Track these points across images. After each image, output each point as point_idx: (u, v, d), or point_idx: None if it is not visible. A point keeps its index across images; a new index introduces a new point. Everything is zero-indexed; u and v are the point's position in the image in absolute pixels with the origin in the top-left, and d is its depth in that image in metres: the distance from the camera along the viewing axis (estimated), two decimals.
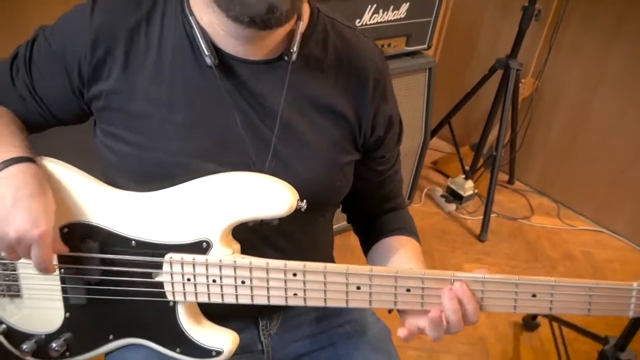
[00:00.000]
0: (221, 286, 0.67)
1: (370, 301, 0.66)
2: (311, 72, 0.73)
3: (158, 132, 0.69)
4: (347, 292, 0.66)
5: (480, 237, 2.30)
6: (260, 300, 0.67)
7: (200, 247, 0.67)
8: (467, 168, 2.51)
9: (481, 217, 2.36)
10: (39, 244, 0.62)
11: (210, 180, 0.67)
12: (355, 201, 0.86)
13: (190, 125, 0.69)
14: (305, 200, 0.66)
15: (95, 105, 0.71)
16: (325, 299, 0.66)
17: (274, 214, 0.65)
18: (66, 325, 0.73)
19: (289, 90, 0.70)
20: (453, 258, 2.20)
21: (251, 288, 0.67)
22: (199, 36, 0.67)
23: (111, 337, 0.73)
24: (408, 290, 0.65)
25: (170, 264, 0.67)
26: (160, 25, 0.69)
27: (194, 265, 0.67)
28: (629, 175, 2.32)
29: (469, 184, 2.44)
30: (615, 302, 0.63)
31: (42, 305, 0.72)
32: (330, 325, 0.85)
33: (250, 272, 0.66)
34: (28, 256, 0.64)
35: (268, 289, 0.67)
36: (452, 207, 2.46)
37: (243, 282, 0.67)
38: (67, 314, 0.73)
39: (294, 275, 0.65)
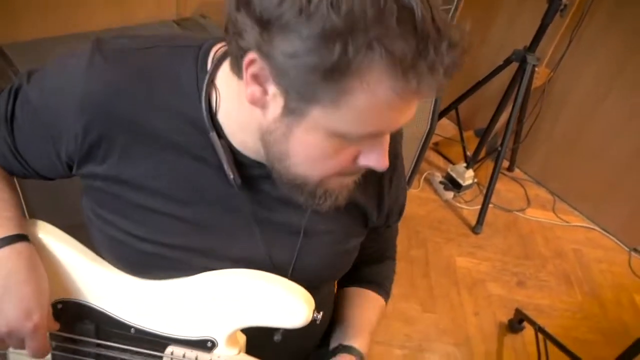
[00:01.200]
0: None
1: None
2: None
3: (159, 225, 0.64)
4: None
5: (475, 230, 2.30)
6: None
7: (204, 345, 0.64)
8: (469, 154, 2.47)
9: (477, 206, 2.35)
10: (33, 337, 0.58)
11: (223, 277, 0.64)
12: None
13: (194, 223, 0.64)
14: (321, 312, 0.63)
15: (87, 182, 0.65)
16: None
17: (287, 325, 0.62)
18: None
19: None
20: (446, 250, 2.21)
21: None
22: (222, 155, 0.61)
23: None
24: None
25: (172, 358, 0.64)
26: (168, 114, 0.61)
27: None
28: (629, 177, 2.29)
29: (469, 173, 2.41)
30: None
31: None
32: None
33: None
34: (20, 347, 0.60)
35: None
36: (449, 195, 2.44)
37: None
38: None
39: None
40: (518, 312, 1.87)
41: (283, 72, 0.49)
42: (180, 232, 0.64)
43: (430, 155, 2.68)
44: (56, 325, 0.65)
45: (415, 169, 2.28)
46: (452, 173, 2.44)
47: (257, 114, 0.56)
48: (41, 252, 0.63)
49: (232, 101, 0.59)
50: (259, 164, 0.63)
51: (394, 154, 0.73)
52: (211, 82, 0.60)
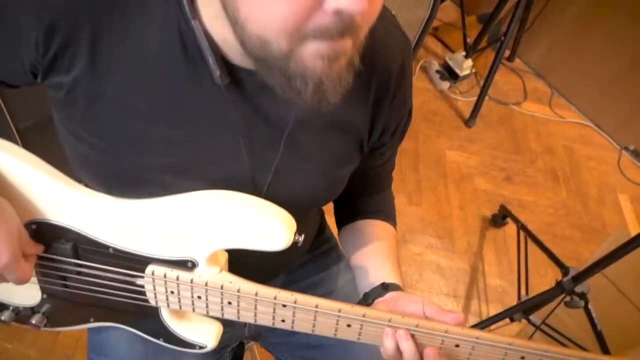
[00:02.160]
0: (207, 303, 0.64)
1: (359, 337, 0.64)
2: None
3: (133, 144, 0.58)
4: (336, 328, 0.63)
5: (468, 123, 2.26)
6: (247, 319, 0.65)
7: (185, 265, 0.62)
8: (469, 41, 2.34)
9: (473, 98, 2.28)
10: (9, 272, 0.55)
11: (202, 197, 0.59)
12: None
13: (176, 142, 0.58)
14: (303, 235, 0.60)
15: (55, 94, 0.57)
16: (313, 329, 0.64)
17: (267, 248, 0.59)
18: (45, 303, 0.70)
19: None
20: (437, 143, 2.18)
21: (238, 310, 0.64)
22: (205, 51, 0.52)
23: (92, 319, 0.71)
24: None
25: (153, 278, 0.63)
26: (141, 14, 0.52)
27: (177, 283, 0.62)
28: (632, 77, 2.21)
29: (468, 63, 2.30)
30: None
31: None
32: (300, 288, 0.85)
33: (238, 298, 0.63)
34: (3, 281, 0.58)
35: (256, 312, 0.64)
36: (445, 85, 2.35)
37: (230, 303, 0.64)
38: (45, 296, 0.69)
39: (284, 306, 0.62)
40: (502, 208, 1.89)
41: None
42: (158, 151, 0.58)
43: (428, 40, 2.54)
44: (39, 248, 0.62)
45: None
46: (449, 62, 2.33)
47: None
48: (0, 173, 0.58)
49: None
50: (246, 70, 0.55)
51: (401, 64, 0.65)
52: None
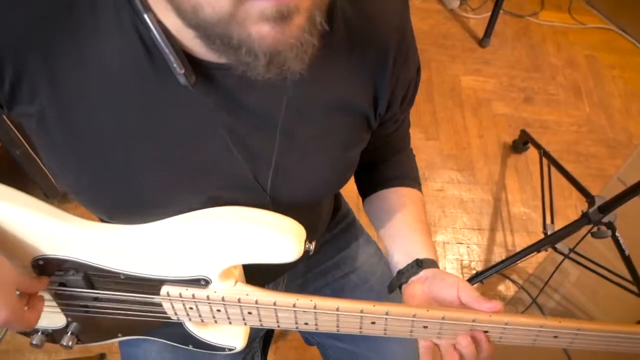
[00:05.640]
0: (227, 315, 0.63)
1: (385, 332, 0.63)
2: (315, 60, 0.50)
3: (119, 167, 0.54)
4: (361, 326, 0.62)
5: (482, 43, 2.14)
6: (270, 325, 0.64)
7: (198, 283, 0.60)
8: None
9: (486, 14, 2.14)
10: (12, 325, 0.54)
11: (205, 217, 0.56)
12: None
13: (162, 157, 0.54)
14: (314, 242, 0.57)
15: (26, 123, 0.52)
16: (338, 329, 0.63)
17: (278, 261, 0.57)
18: (71, 324, 0.70)
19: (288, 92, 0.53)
20: (451, 69, 2.08)
21: (259, 318, 0.63)
22: (163, 45, 0.46)
23: (119, 335, 0.71)
24: (425, 327, 0.62)
25: (169, 299, 0.61)
26: (94, 30, 0.47)
27: (194, 301, 0.61)
28: None
29: None
30: (636, 346, 0.62)
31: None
32: (334, 278, 0.84)
33: (258, 309, 0.61)
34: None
35: (277, 318, 0.63)
36: (455, 3, 2.20)
37: (250, 313, 0.62)
38: (69, 319, 0.69)
39: (305, 311, 0.61)
40: (523, 133, 1.83)
41: None
42: (146, 169, 0.54)
43: None
44: (44, 282, 0.60)
45: None
46: None
47: None
48: None
49: None
50: (218, 66, 0.50)
51: (398, 26, 0.58)
52: None
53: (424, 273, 0.65)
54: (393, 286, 0.68)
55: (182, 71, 0.47)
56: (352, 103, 0.59)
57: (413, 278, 0.66)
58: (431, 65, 2.07)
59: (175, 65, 0.47)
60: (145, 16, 0.45)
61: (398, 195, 0.75)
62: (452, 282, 0.61)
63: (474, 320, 0.60)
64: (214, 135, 0.54)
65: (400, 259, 0.69)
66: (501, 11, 2.14)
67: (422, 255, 0.67)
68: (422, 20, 2.18)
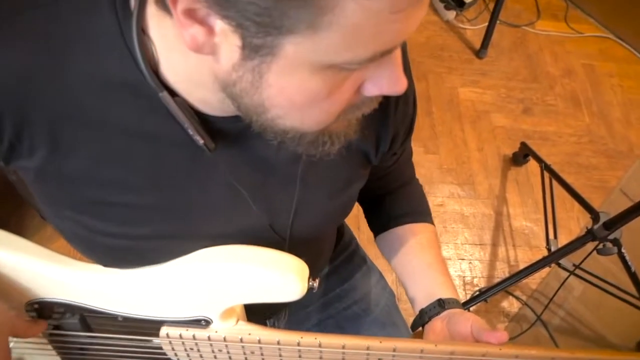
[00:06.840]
0: (229, 356, 0.61)
1: None
2: None
3: (120, 218, 0.52)
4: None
5: (479, 54, 2.13)
6: None
7: (198, 323, 0.58)
8: None
9: (482, 25, 2.14)
10: None
11: (204, 259, 0.54)
12: None
13: (166, 208, 0.52)
14: (317, 279, 0.56)
15: (24, 176, 0.51)
16: None
17: (282, 300, 0.55)
18: None
19: None
20: (448, 81, 2.07)
21: (262, 357, 0.61)
22: (182, 120, 0.46)
23: None
24: None
25: (169, 340, 0.59)
26: (95, 77, 0.45)
27: (195, 341, 0.59)
28: None
29: None
30: None
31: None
32: (337, 310, 0.82)
33: (261, 348, 0.59)
34: None
35: (281, 357, 0.61)
36: (451, 14, 2.20)
37: (253, 353, 0.61)
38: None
39: (309, 350, 0.59)
40: (524, 146, 1.81)
41: None
42: (149, 220, 0.53)
43: None
44: (42, 326, 0.58)
45: None
46: None
47: (209, 62, 0.40)
48: None
49: (173, 50, 0.43)
50: (232, 118, 0.49)
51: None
52: (142, 31, 0.43)
53: (445, 313, 0.65)
54: (416, 325, 0.68)
55: (202, 142, 0.47)
56: (356, 147, 0.59)
57: (435, 317, 0.66)
58: (428, 77, 2.06)
59: (196, 137, 0.47)
60: (160, 95, 0.44)
61: (412, 234, 0.75)
62: (468, 317, 0.61)
63: (484, 355, 0.58)
64: (222, 183, 0.53)
65: (422, 300, 0.69)
66: (498, 21, 2.13)
67: (446, 295, 0.67)
68: (418, 32, 2.17)
